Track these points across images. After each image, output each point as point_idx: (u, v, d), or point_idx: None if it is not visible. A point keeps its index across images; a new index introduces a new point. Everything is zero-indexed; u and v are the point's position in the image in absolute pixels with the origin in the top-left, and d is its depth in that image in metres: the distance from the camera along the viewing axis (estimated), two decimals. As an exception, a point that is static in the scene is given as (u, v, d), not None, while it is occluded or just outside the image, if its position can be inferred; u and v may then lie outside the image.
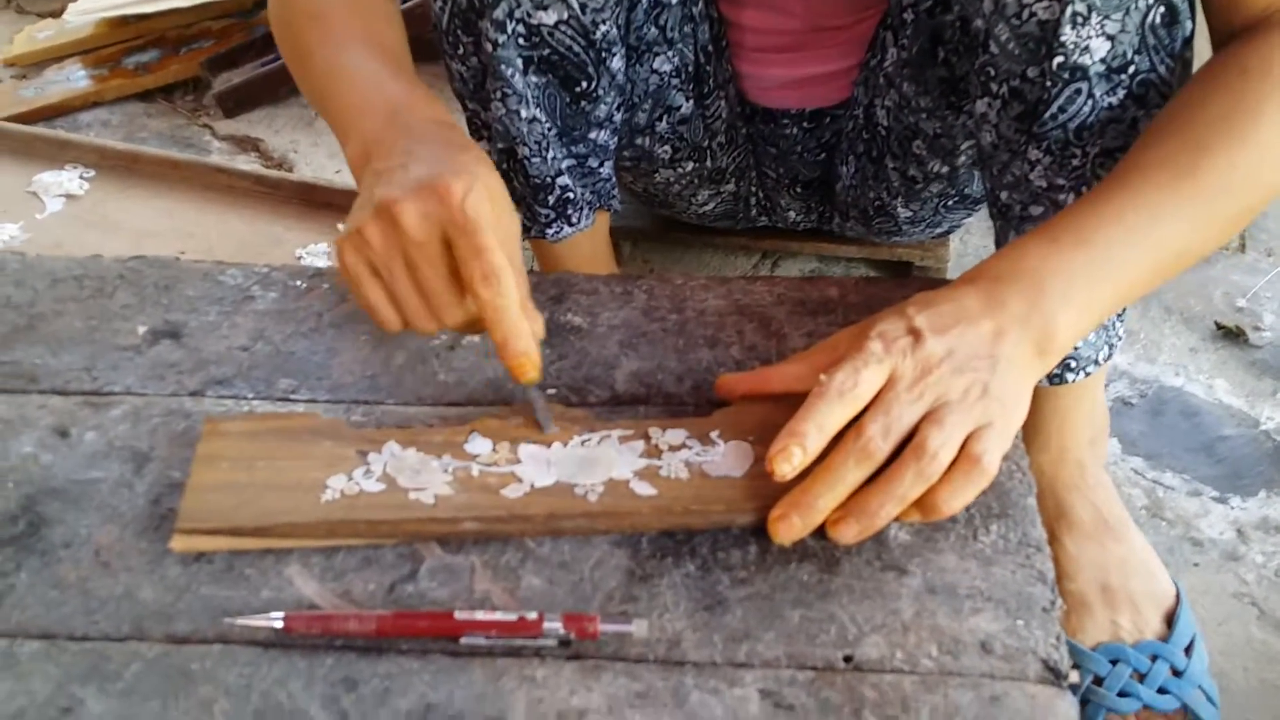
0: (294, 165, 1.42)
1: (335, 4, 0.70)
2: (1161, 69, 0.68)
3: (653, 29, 0.82)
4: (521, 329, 0.57)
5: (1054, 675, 0.52)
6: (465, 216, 0.56)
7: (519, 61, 0.75)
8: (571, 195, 0.85)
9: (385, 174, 0.59)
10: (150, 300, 0.72)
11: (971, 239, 1.26)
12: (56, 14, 1.74)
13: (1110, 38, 0.66)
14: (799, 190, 1.02)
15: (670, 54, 0.84)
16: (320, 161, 1.42)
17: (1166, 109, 0.66)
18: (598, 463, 0.60)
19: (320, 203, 1.24)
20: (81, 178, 1.31)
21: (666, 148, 0.93)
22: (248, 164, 1.40)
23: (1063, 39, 0.66)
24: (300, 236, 1.21)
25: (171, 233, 1.23)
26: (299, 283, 0.74)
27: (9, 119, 1.47)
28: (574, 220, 0.86)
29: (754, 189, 1.03)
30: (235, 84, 1.50)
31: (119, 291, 0.73)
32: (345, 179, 1.38)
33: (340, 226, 1.21)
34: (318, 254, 1.18)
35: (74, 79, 1.58)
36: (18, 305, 0.72)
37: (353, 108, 0.65)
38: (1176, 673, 0.83)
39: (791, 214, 1.06)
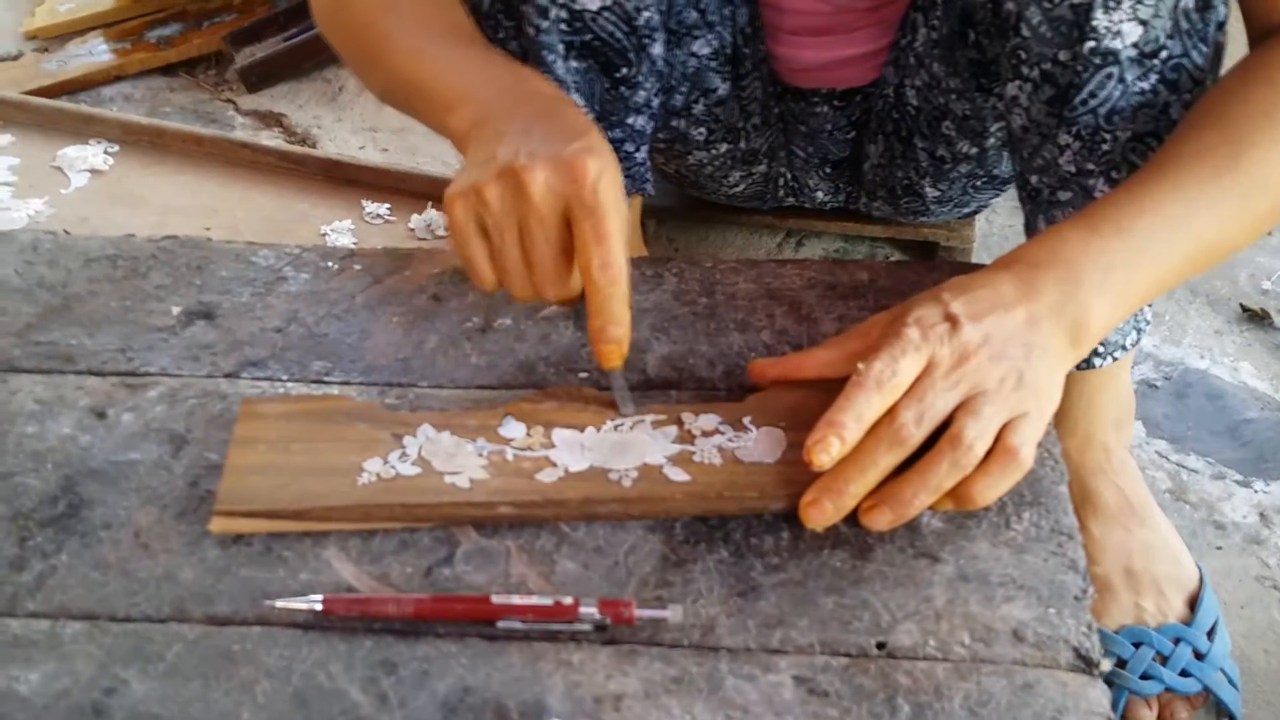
0: (317, 141, 1.42)
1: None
2: (1194, 54, 0.67)
3: (693, 13, 0.82)
4: (623, 317, 0.57)
5: (1086, 663, 0.53)
6: (595, 198, 0.55)
7: (560, 47, 0.75)
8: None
9: (509, 136, 0.58)
10: (183, 281, 0.73)
11: (997, 219, 1.26)
12: (77, -14, 1.73)
13: (1143, 22, 0.66)
14: (828, 170, 1.01)
15: (710, 36, 0.84)
16: (344, 137, 1.42)
17: (1205, 99, 0.65)
18: (631, 448, 0.60)
19: (345, 179, 1.24)
20: (106, 153, 1.31)
21: (702, 129, 0.93)
22: (271, 140, 1.40)
23: (1095, 23, 0.66)
24: (325, 213, 1.21)
25: (197, 208, 1.23)
26: (331, 264, 0.74)
27: (32, 93, 1.47)
28: (610, 204, 0.86)
29: (783, 169, 1.02)
30: (258, 58, 1.49)
31: (152, 272, 0.73)
32: (369, 155, 1.38)
33: (367, 204, 1.21)
34: (342, 230, 1.18)
35: (96, 53, 1.57)
36: (52, 285, 0.72)
37: (459, 78, 0.64)
38: (1199, 656, 0.83)
39: (819, 194, 1.06)
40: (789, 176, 1.04)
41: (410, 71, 0.67)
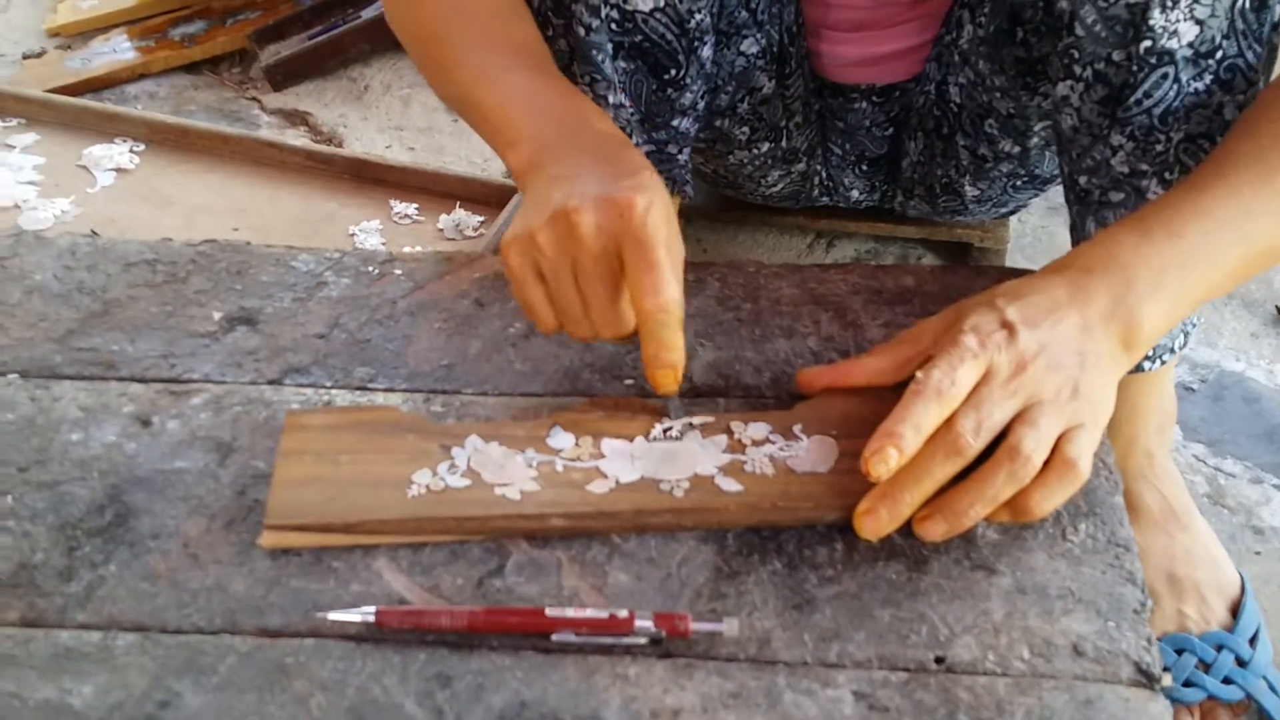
0: (344, 140, 1.41)
1: (476, 4, 0.69)
2: (1249, 54, 0.66)
3: (743, 12, 0.81)
4: (676, 343, 0.57)
5: (1146, 678, 0.52)
6: (644, 231, 0.55)
7: (609, 46, 0.74)
8: (651, 184, 0.84)
9: (563, 180, 0.58)
10: (224, 286, 0.72)
11: (1030, 219, 1.25)
12: (100, -17, 1.73)
13: (1199, 22, 0.65)
14: (864, 168, 1.00)
15: (758, 35, 0.83)
16: (370, 136, 1.41)
17: (1259, 102, 0.64)
18: (681, 457, 0.59)
19: (372, 179, 1.24)
20: (132, 151, 1.31)
21: (745, 129, 0.92)
22: (298, 139, 1.39)
23: (1151, 23, 0.65)
24: (353, 213, 1.20)
25: (225, 208, 1.23)
26: (371, 269, 0.74)
27: (56, 91, 1.46)
28: (652, 210, 0.86)
29: (819, 167, 1.02)
30: (283, 57, 1.49)
31: (192, 276, 0.73)
32: (396, 154, 1.37)
33: (395, 204, 1.21)
34: (371, 231, 1.18)
35: (120, 50, 1.57)
36: (91, 290, 0.72)
37: (519, 117, 0.64)
38: (1241, 663, 0.82)
39: (854, 193, 1.05)
40: (824, 175, 1.03)
41: (476, 95, 0.67)
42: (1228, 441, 1.04)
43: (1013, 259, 1.15)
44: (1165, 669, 0.82)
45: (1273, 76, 0.68)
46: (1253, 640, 0.83)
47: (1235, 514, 0.98)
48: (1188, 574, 0.84)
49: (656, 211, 0.56)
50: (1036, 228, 1.24)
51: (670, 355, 0.57)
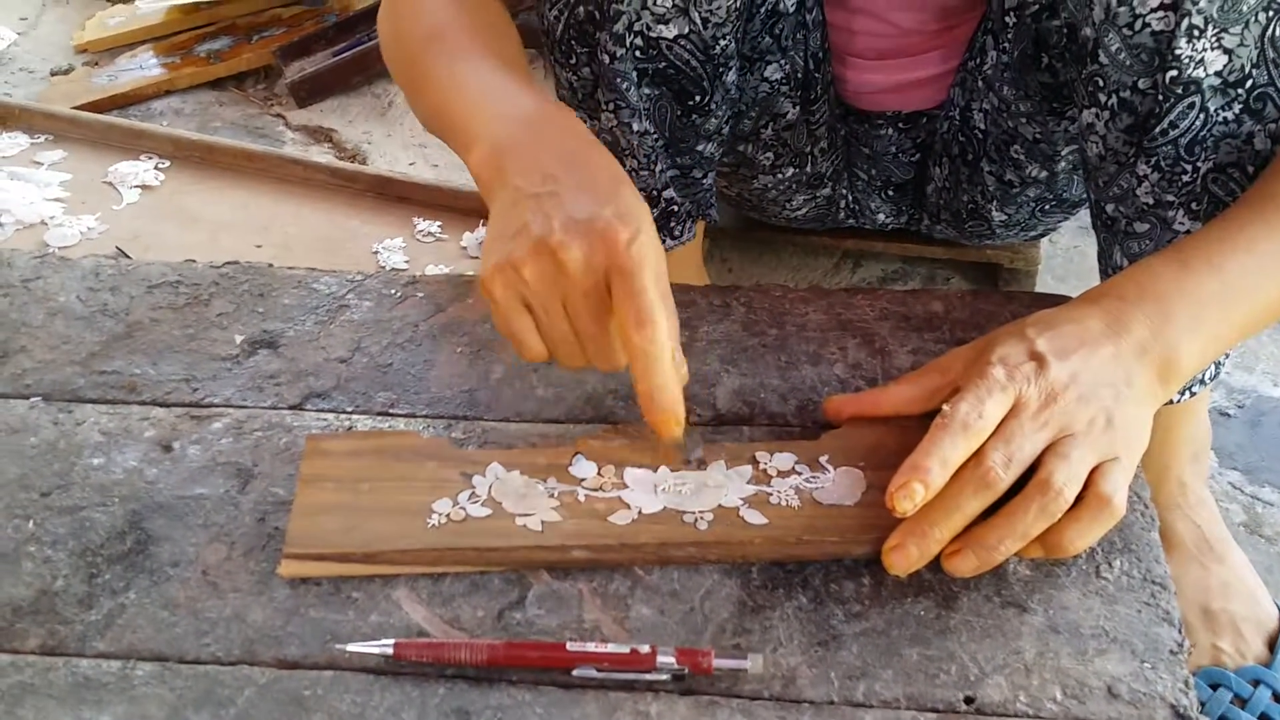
0: (367, 156, 1.41)
1: (455, 23, 0.68)
2: None
3: (767, 38, 0.80)
4: (668, 381, 0.54)
5: (1183, 722, 0.51)
6: (630, 261, 0.53)
7: (634, 74, 0.73)
8: (676, 208, 0.83)
9: (536, 201, 0.55)
10: (246, 308, 0.72)
11: (1062, 239, 1.23)
12: (128, 0, 1.74)
13: (1228, 51, 0.63)
14: (890, 193, 0.99)
15: (782, 61, 0.82)
16: (394, 153, 1.42)
17: None
18: (705, 488, 0.58)
19: (396, 196, 1.24)
20: (157, 168, 1.32)
21: (769, 154, 0.91)
22: (322, 155, 1.40)
23: (1177, 51, 0.64)
24: (377, 230, 1.21)
25: (248, 225, 1.23)
26: (393, 291, 0.73)
27: (83, 107, 1.48)
28: (676, 233, 0.85)
29: (845, 191, 1.01)
30: (308, 73, 1.50)
31: (214, 299, 0.73)
32: (420, 172, 1.37)
33: (418, 222, 1.21)
34: (394, 248, 1.18)
35: (146, 66, 1.58)
36: (115, 313, 0.72)
37: (480, 114, 0.61)
38: (1278, 699, 0.81)
39: (880, 216, 1.04)
40: (850, 199, 1.02)
41: (443, 103, 0.65)
42: (1265, 469, 1.02)
43: (1043, 280, 1.14)
44: (1200, 704, 0.81)
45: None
46: (1290, 674, 0.81)
47: (1273, 543, 0.96)
48: (1223, 607, 0.82)
49: (641, 240, 0.54)
50: (1069, 248, 1.23)
51: (664, 397, 0.54)
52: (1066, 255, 1.22)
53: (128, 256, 1.17)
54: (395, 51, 0.73)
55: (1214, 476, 1.01)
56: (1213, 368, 0.78)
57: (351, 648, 0.53)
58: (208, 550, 0.58)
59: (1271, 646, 0.82)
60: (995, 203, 0.93)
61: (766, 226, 1.13)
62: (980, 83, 0.84)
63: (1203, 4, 0.62)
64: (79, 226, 1.24)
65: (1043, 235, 1.07)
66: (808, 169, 0.94)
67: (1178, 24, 0.63)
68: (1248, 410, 1.07)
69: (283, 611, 0.55)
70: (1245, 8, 0.62)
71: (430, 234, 1.20)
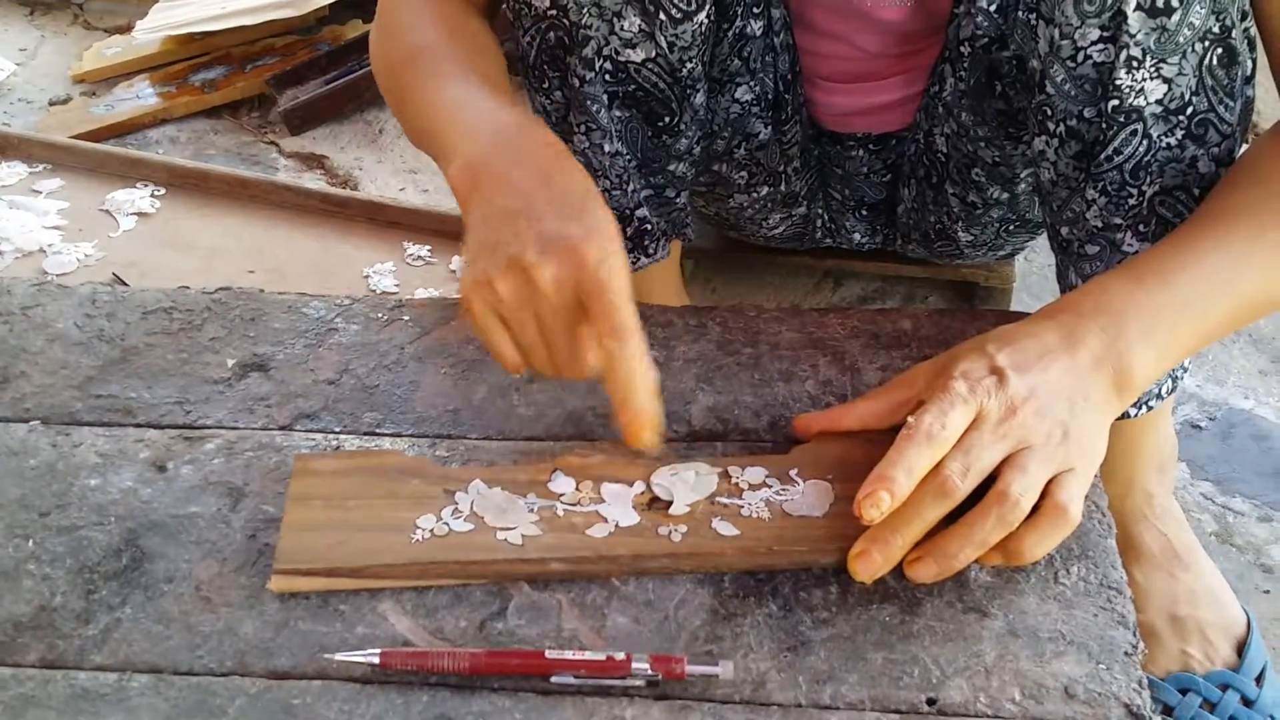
0: (359, 183, 1.44)
1: (438, 42, 0.71)
2: (1221, 109, 0.67)
3: (736, 60, 0.83)
4: (641, 388, 0.56)
5: (1137, 721, 0.53)
6: (600, 281, 0.56)
7: (604, 96, 0.76)
8: (649, 227, 0.86)
9: (509, 218, 0.58)
10: (237, 332, 0.74)
11: (1037, 258, 1.26)
12: (124, 30, 1.77)
13: (1167, 80, 0.66)
14: (864, 213, 1.02)
15: (752, 83, 0.85)
16: (385, 179, 1.44)
17: (1246, 156, 0.66)
18: (681, 487, 0.61)
19: (387, 221, 1.27)
20: (153, 196, 1.34)
21: (743, 173, 0.94)
22: (314, 182, 1.42)
23: (1118, 82, 0.66)
24: (368, 255, 1.23)
25: (241, 251, 1.26)
26: (380, 315, 0.76)
27: (80, 136, 1.50)
28: (651, 251, 0.88)
29: (820, 211, 1.03)
30: (300, 101, 1.53)
31: (207, 324, 0.75)
32: (410, 197, 1.40)
33: (408, 246, 1.23)
34: (385, 272, 1.20)
35: (143, 96, 1.61)
36: (111, 338, 0.74)
37: (455, 128, 0.64)
38: (1247, 702, 0.82)
39: (856, 235, 1.06)
40: (826, 218, 1.05)
41: (425, 120, 0.68)
42: (1236, 479, 1.04)
43: (1019, 297, 1.17)
44: (1169, 709, 0.83)
45: (1249, 128, 0.69)
46: (1259, 679, 0.83)
47: (1244, 552, 0.98)
48: (1190, 614, 0.84)
49: (612, 258, 0.56)
50: (1043, 266, 1.26)
51: (636, 399, 0.56)
52: (1042, 273, 1.25)
53: (124, 283, 1.19)
54: (384, 70, 0.76)
55: (1185, 487, 1.03)
56: (1169, 381, 0.80)
57: (339, 657, 0.55)
58: (200, 566, 0.60)
59: (1240, 651, 0.84)
60: (961, 223, 0.95)
61: (749, 247, 1.15)
62: (941, 108, 0.86)
63: (1140, 36, 0.65)
64: (76, 254, 1.26)
65: (1012, 254, 1.10)
66: (782, 188, 0.96)
67: (1117, 55, 0.66)
68: (1219, 422, 1.09)
69: (273, 624, 0.57)
70: (1181, 39, 0.65)
71: (420, 258, 1.23)
